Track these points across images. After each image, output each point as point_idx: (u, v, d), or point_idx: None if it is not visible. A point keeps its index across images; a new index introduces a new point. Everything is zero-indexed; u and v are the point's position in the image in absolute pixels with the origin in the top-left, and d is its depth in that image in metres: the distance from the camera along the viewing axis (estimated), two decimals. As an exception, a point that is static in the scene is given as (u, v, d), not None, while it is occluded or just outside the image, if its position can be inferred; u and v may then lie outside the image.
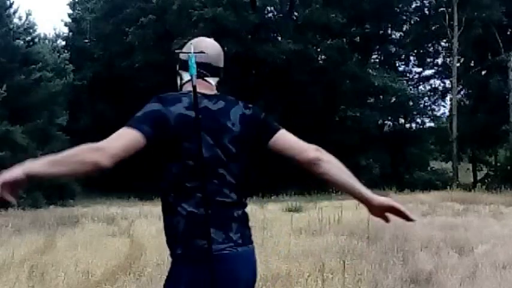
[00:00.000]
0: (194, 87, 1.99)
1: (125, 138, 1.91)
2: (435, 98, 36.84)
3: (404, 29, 36.65)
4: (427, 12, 35.93)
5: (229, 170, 2.03)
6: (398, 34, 37.11)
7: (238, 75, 28.06)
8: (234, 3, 30.56)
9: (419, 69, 37.67)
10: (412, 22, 36.32)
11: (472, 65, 35.18)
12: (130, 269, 6.48)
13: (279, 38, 32.80)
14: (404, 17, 36.62)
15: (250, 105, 2.15)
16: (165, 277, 2.06)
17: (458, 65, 32.73)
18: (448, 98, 35.85)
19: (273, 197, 21.93)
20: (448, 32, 31.58)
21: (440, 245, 7.80)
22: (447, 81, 35.72)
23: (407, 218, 2.03)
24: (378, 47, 36.75)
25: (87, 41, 35.92)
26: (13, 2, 25.36)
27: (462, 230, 9.65)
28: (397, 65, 37.12)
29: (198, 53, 2.07)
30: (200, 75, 2.07)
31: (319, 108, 31.28)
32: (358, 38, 35.10)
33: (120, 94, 32.10)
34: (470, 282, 5.57)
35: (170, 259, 2.06)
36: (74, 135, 26.38)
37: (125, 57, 31.76)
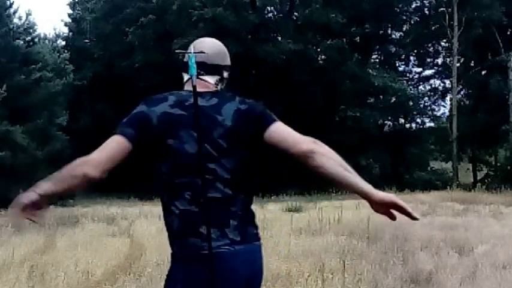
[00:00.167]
0: (194, 87, 2.01)
1: (110, 147, 1.98)
2: (435, 98, 36.85)
3: (404, 29, 36.65)
4: (427, 12, 35.93)
5: (222, 165, 1.99)
6: (398, 34, 37.13)
7: (238, 75, 28.03)
8: (234, 3, 30.56)
9: (419, 69, 37.73)
10: (412, 22, 36.31)
11: (472, 65, 35.17)
12: (130, 269, 6.48)
13: (279, 38, 32.80)
14: (404, 17, 36.61)
15: (248, 101, 2.11)
16: (165, 277, 2.07)
17: (458, 65, 32.73)
18: (448, 98, 35.90)
19: (273, 197, 21.93)
20: (448, 32, 31.58)
21: (440, 245, 7.80)
22: (447, 81, 35.74)
23: (410, 216, 1.92)
24: (378, 47, 36.74)
25: (87, 41, 35.91)
26: (13, 2, 25.36)
27: (462, 230, 9.65)
28: (397, 65, 37.12)
29: (198, 53, 2.09)
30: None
31: (319, 108, 31.27)
32: (358, 38, 35.09)
33: (120, 94, 32.07)
34: (470, 282, 5.57)
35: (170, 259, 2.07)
36: (74, 135, 26.40)
37: (125, 57, 31.76)
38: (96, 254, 7.57)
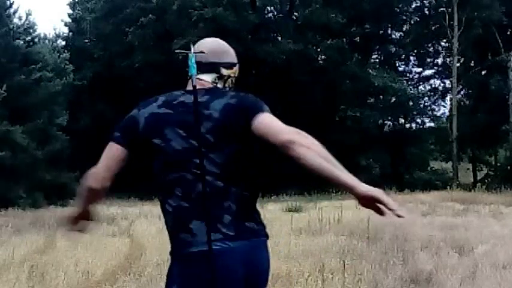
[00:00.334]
0: (194, 86, 2.03)
1: (105, 156, 2.09)
2: (435, 98, 36.82)
3: (404, 29, 36.63)
4: (427, 12, 35.92)
5: (210, 159, 1.98)
6: (398, 34, 37.10)
7: (238, 75, 28.01)
8: (234, 3, 30.57)
9: (419, 69, 37.69)
10: (412, 22, 36.29)
11: (472, 65, 35.16)
12: (130, 269, 6.48)
13: (279, 38, 32.81)
14: (404, 17, 36.60)
15: (241, 94, 2.10)
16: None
17: (458, 65, 32.72)
18: (448, 98, 35.87)
19: (273, 197, 21.92)
20: (448, 32, 31.58)
21: (440, 245, 7.80)
22: (447, 81, 35.72)
23: (395, 213, 1.82)
24: (378, 47, 36.73)
25: (87, 41, 35.90)
26: (13, 2, 25.37)
27: (462, 230, 9.65)
28: (397, 65, 37.11)
29: (198, 53, 2.11)
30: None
31: (319, 108, 31.28)
32: (358, 38, 35.09)
33: (120, 94, 32.06)
34: (470, 282, 5.57)
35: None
36: (74, 135, 26.40)
37: (125, 57, 31.75)
38: (96, 254, 7.57)
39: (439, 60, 37.52)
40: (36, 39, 27.04)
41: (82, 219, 2.23)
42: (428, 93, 36.78)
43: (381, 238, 8.30)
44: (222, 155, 1.99)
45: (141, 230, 10.62)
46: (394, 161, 34.16)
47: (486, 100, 32.10)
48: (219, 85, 2.16)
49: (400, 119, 36.03)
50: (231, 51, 2.24)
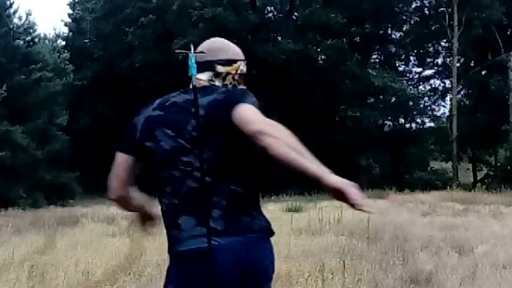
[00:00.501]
0: (194, 86, 2.02)
1: (115, 167, 2.13)
2: (435, 98, 36.81)
3: (404, 29, 36.62)
4: (427, 12, 35.91)
5: (197, 156, 1.97)
6: (398, 34, 37.08)
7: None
8: (234, 3, 30.56)
9: (419, 69, 37.67)
10: (412, 22, 36.28)
11: (472, 65, 35.15)
12: (130, 269, 6.47)
13: (279, 38, 32.79)
14: (404, 17, 36.59)
15: (231, 90, 2.10)
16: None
17: (458, 65, 32.71)
18: (448, 98, 35.86)
19: (273, 197, 21.89)
20: (448, 32, 31.57)
21: (440, 245, 7.80)
22: (447, 81, 35.71)
23: (359, 209, 1.78)
24: (378, 47, 36.72)
25: (87, 41, 35.90)
26: (13, 2, 25.40)
27: (462, 230, 9.65)
28: (397, 65, 37.09)
29: (198, 53, 2.11)
30: None
31: (319, 108, 31.27)
32: (358, 38, 35.07)
33: (120, 94, 32.08)
34: (470, 282, 5.57)
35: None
36: (74, 135, 26.42)
37: (125, 57, 31.75)
38: (96, 254, 7.57)
39: (439, 60, 37.55)
40: (36, 39, 27.08)
41: (146, 220, 2.31)
42: (428, 93, 36.78)
43: (380, 238, 8.30)
44: (209, 150, 1.97)
45: (141, 230, 10.59)
46: (394, 161, 34.16)
47: (486, 100, 32.10)
48: (217, 83, 2.14)
49: (400, 119, 36.03)
50: (230, 48, 2.21)
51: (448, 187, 22.31)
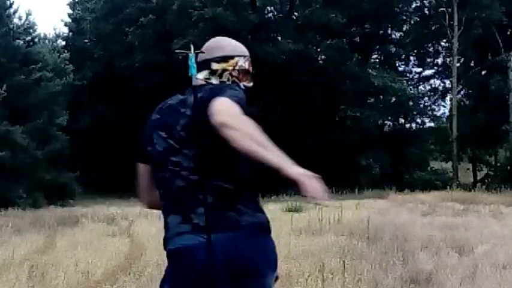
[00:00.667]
0: (194, 86, 2.03)
1: (139, 178, 2.21)
2: (435, 98, 36.83)
3: (404, 29, 36.64)
4: (427, 12, 35.92)
5: (185, 154, 2.00)
6: (398, 34, 37.11)
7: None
8: (234, 3, 30.56)
9: (419, 69, 37.70)
10: (412, 22, 36.30)
11: (472, 65, 35.16)
12: (130, 269, 6.48)
13: (279, 38, 32.79)
14: (404, 17, 36.60)
15: (217, 86, 2.08)
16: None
17: (458, 65, 32.71)
18: (448, 98, 35.87)
19: (273, 197, 21.90)
20: (448, 32, 31.57)
21: (440, 245, 7.79)
22: (447, 81, 35.71)
23: (313, 202, 1.79)
24: (378, 47, 36.74)
25: (87, 41, 35.91)
26: (13, 2, 25.38)
27: (462, 230, 9.64)
28: (397, 65, 37.11)
29: (198, 52, 2.12)
30: None
31: (319, 108, 31.27)
32: (358, 38, 35.09)
33: (120, 94, 32.10)
34: (470, 282, 5.56)
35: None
36: (74, 135, 26.41)
37: (125, 57, 31.76)
38: (96, 254, 7.57)
39: (439, 60, 37.56)
40: (36, 39, 27.06)
41: None
42: (428, 93, 36.80)
43: (380, 238, 8.29)
44: (196, 148, 1.98)
45: (141, 230, 10.61)
46: (394, 161, 34.17)
47: (486, 100, 32.10)
48: (214, 81, 2.13)
49: (400, 119, 36.04)
50: (228, 45, 2.20)
51: (448, 187, 22.30)
